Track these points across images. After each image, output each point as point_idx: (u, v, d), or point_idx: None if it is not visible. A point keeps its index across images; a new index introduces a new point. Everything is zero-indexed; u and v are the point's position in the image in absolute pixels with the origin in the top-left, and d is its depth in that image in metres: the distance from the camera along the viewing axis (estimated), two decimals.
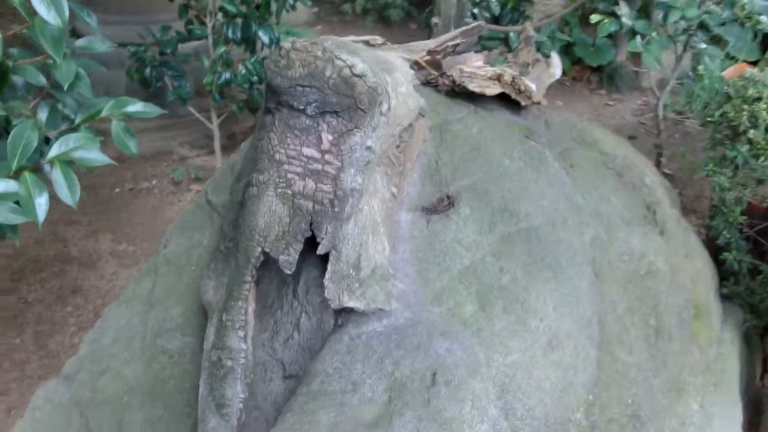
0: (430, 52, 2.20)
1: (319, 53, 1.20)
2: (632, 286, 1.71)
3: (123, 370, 1.51)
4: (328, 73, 1.20)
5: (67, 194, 1.46)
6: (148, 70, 3.06)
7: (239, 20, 2.79)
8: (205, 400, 1.34)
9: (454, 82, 1.94)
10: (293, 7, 2.90)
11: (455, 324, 1.37)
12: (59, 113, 1.65)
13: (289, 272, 1.32)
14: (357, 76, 1.24)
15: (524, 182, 1.70)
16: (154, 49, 3.13)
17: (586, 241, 1.67)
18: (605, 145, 2.07)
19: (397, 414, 1.23)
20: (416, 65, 2.11)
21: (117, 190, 3.68)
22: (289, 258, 1.31)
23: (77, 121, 1.60)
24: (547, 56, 2.40)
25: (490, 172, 1.70)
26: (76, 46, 1.57)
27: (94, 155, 1.48)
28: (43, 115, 1.64)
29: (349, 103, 1.24)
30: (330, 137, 1.26)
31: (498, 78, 2.03)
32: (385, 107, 1.29)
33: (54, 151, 1.46)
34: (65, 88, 1.50)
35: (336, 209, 1.30)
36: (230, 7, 2.70)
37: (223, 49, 2.80)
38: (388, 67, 1.48)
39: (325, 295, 1.28)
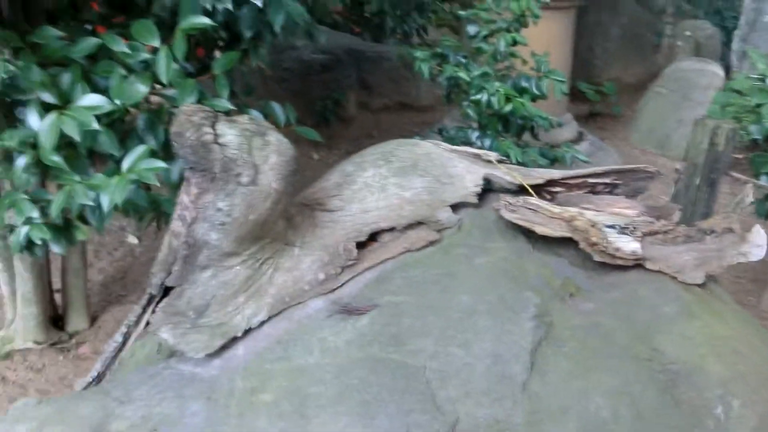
0: (551, 182, 2.01)
1: (195, 119, 1.41)
2: None
3: None
4: (187, 134, 1.40)
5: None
6: None
7: None
8: None
9: (498, 210, 1.77)
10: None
11: (232, 400, 1.37)
12: None
13: (153, 293, 1.55)
14: (219, 144, 1.40)
15: (454, 323, 1.48)
16: None
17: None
18: (669, 345, 1.52)
19: None
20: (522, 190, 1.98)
21: None
22: (154, 280, 1.54)
23: None
24: None
25: (430, 299, 1.54)
26: None
27: None
28: None
29: (205, 165, 1.41)
30: (195, 190, 1.45)
31: (570, 220, 1.76)
32: (245, 179, 1.41)
33: None
34: None
35: (185, 252, 1.47)
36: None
37: None
38: (444, 173, 1.84)
39: (151, 318, 1.47)
